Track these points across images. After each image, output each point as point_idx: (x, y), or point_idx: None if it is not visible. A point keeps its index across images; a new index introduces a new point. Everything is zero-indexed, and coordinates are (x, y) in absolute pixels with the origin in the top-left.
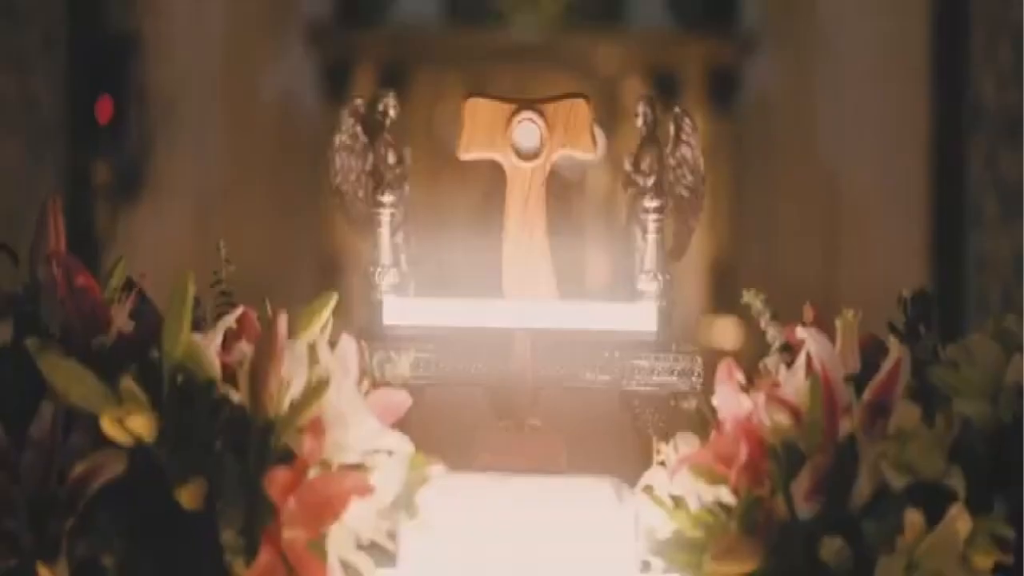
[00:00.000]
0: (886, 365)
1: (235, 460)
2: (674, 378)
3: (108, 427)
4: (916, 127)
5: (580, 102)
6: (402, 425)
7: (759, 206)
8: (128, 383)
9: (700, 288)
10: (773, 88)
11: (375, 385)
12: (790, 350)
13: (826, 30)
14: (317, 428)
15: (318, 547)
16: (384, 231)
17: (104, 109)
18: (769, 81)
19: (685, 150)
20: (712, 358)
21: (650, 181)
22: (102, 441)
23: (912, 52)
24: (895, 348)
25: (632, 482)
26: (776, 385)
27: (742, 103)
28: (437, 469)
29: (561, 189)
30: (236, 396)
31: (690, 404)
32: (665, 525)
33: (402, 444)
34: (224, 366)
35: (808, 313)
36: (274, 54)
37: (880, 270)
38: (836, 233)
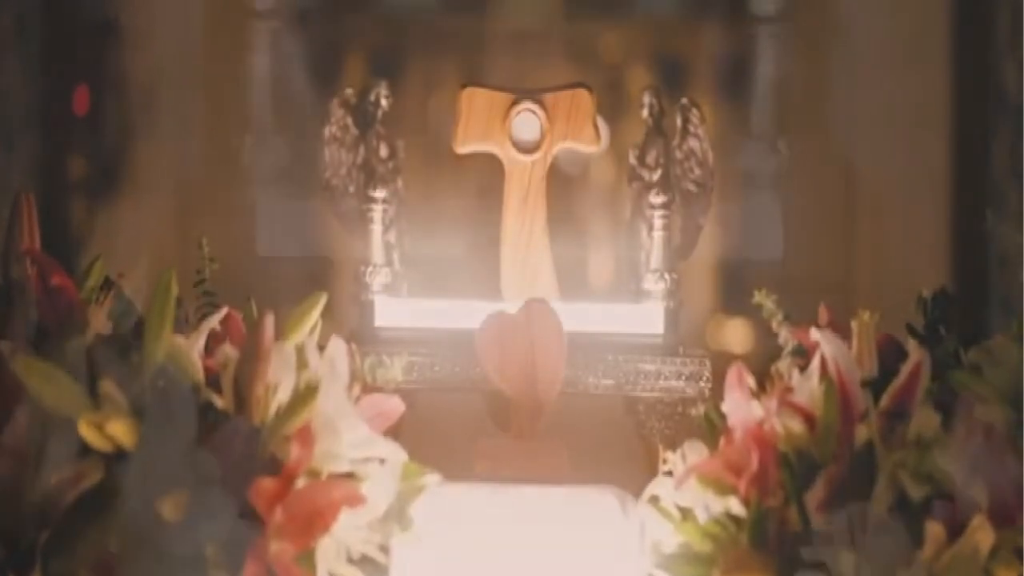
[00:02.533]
0: (905, 369)
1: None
2: (681, 383)
3: (86, 433)
4: (937, 118)
5: (582, 92)
6: (395, 432)
7: (771, 202)
8: (107, 387)
9: (709, 288)
10: (786, 77)
11: (366, 390)
12: (804, 353)
13: (842, 15)
14: (305, 436)
15: (307, 561)
16: (376, 228)
17: (81, 99)
18: (782, 69)
19: (693, 142)
20: (721, 362)
21: (656, 175)
22: (80, 448)
23: (933, 39)
24: (914, 351)
25: (637, 492)
26: (789, 390)
27: (753, 93)
28: (431, 479)
29: (562, 184)
30: (220, 401)
31: (698, 410)
32: (672, 538)
33: (395, 452)
34: (207, 370)
35: (822, 314)
36: (260, 41)
37: (898, 268)
38: (852, 230)
